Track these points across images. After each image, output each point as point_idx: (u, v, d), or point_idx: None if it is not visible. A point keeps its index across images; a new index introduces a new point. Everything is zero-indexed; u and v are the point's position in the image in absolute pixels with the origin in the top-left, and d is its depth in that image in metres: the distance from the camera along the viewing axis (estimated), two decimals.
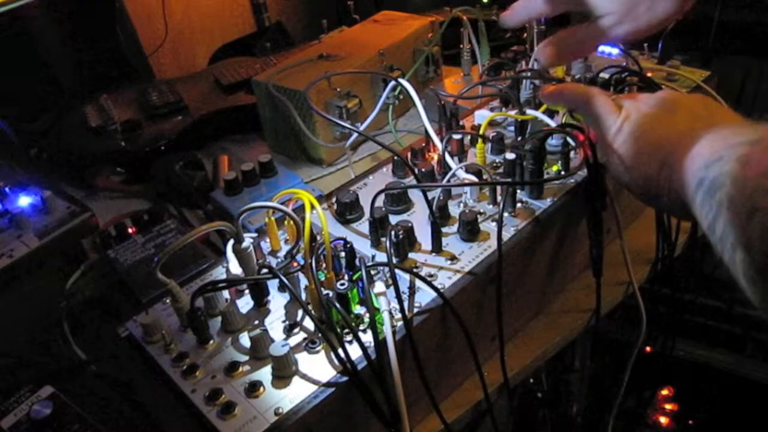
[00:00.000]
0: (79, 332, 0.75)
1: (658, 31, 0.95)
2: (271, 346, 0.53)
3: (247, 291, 0.61)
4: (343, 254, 0.59)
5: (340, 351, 0.53)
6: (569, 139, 0.71)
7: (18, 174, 0.92)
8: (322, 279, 0.58)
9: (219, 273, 0.66)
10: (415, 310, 0.57)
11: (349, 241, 0.60)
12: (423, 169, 0.69)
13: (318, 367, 0.54)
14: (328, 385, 0.52)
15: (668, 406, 1.68)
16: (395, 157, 0.75)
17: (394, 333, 0.54)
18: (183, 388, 0.54)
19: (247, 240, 0.60)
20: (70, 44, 1.24)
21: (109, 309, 0.77)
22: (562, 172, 0.72)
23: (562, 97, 0.64)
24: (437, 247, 0.63)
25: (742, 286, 0.40)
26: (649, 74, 0.85)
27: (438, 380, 0.64)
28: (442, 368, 0.64)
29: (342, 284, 0.56)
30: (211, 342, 0.57)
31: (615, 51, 0.96)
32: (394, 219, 0.67)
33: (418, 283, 0.60)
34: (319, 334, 0.55)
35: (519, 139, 0.77)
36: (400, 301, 0.56)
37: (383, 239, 0.64)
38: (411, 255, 0.63)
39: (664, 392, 1.69)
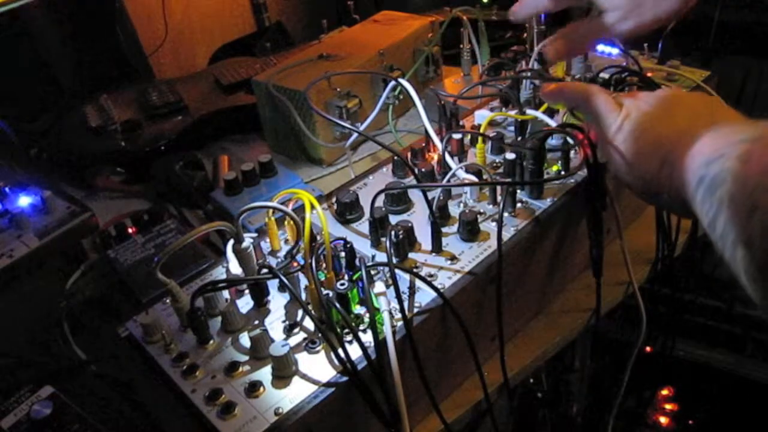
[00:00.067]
0: (79, 332, 0.75)
1: (660, 30, 0.95)
2: (271, 346, 0.53)
3: (247, 291, 0.61)
4: (343, 254, 0.60)
5: (340, 351, 0.53)
6: (569, 139, 0.71)
7: (18, 174, 0.92)
8: (322, 279, 0.58)
9: (219, 273, 0.66)
10: (415, 310, 0.57)
11: (349, 241, 0.60)
12: (423, 169, 0.69)
13: (318, 367, 0.54)
14: (328, 385, 0.52)
15: (668, 406, 1.68)
16: (395, 157, 0.75)
17: (394, 333, 0.54)
18: (183, 388, 0.54)
19: (247, 240, 0.60)
20: (70, 44, 1.24)
21: (109, 309, 0.77)
22: (562, 172, 0.72)
23: (562, 95, 0.64)
24: (437, 247, 0.63)
25: (742, 284, 0.39)
26: (649, 74, 0.85)
27: (438, 380, 0.64)
28: (442, 368, 0.64)
29: (342, 284, 0.56)
30: (211, 342, 0.57)
31: (615, 51, 0.96)
32: (394, 219, 0.67)
33: (418, 283, 0.60)
34: (319, 334, 0.55)
35: (519, 139, 0.77)
36: (400, 301, 0.56)
37: (383, 239, 0.64)
38: (411, 255, 0.63)
39: (664, 392, 1.69)
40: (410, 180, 0.73)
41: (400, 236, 0.61)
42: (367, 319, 0.55)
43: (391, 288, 0.57)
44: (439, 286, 0.59)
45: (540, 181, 0.69)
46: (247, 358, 0.55)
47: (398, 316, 0.56)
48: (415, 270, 0.61)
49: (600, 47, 0.97)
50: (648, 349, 1.01)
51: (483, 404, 0.67)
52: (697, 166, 0.44)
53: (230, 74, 1.18)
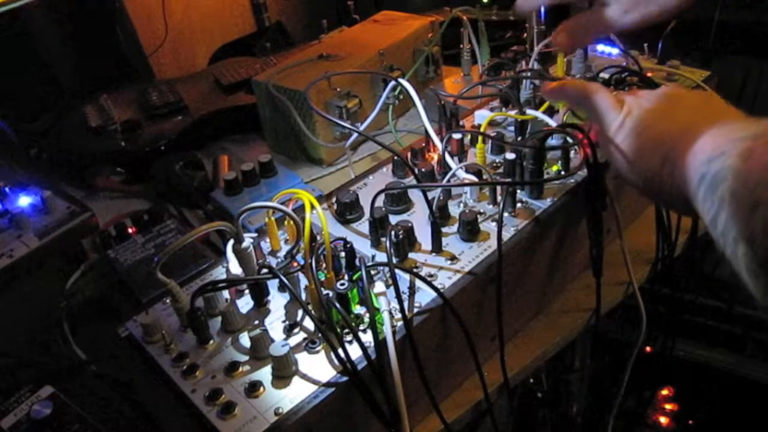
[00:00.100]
0: (79, 332, 0.75)
1: (660, 30, 0.95)
2: (271, 346, 0.53)
3: (247, 291, 0.61)
4: (343, 254, 0.60)
5: (340, 351, 0.53)
6: (569, 139, 0.71)
7: (18, 174, 0.92)
8: (322, 279, 0.58)
9: (219, 273, 0.66)
10: (415, 310, 0.57)
11: (349, 241, 0.60)
12: (423, 169, 0.69)
13: (318, 367, 0.54)
14: (328, 385, 0.52)
15: (668, 406, 1.68)
16: (395, 157, 0.75)
17: (394, 333, 0.54)
18: (183, 388, 0.54)
19: (247, 240, 0.60)
20: (70, 44, 1.24)
21: (109, 309, 0.77)
22: (562, 172, 0.72)
23: (563, 93, 0.64)
24: (437, 247, 0.63)
25: (744, 281, 0.40)
26: (649, 74, 0.85)
27: (438, 380, 0.64)
28: (442, 368, 0.64)
29: (342, 284, 0.56)
30: (211, 342, 0.57)
31: (615, 51, 0.96)
32: (394, 219, 0.67)
33: (418, 283, 0.60)
34: (319, 334, 0.55)
35: (519, 139, 0.77)
36: (400, 301, 0.56)
37: (383, 239, 0.64)
38: (411, 255, 0.63)
39: (664, 392, 1.69)
40: (410, 180, 0.73)
41: (400, 236, 0.61)
42: (367, 319, 0.55)
43: (391, 288, 0.57)
44: (439, 286, 0.59)
45: (540, 181, 0.69)
46: (247, 358, 0.55)
47: (398, 316, 0.56)
48: (415, 270, 0.61)
49: (600, 47, 0.98)
50: (648, 349, 1.01)
51: (483, 404, 0.67)
52: (698, 163, 0.44)
53: (230, 74, 1.18)
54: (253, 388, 0.52)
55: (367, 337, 0.54)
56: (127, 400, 0.66)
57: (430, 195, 0.66)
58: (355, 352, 0.53)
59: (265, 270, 0.59)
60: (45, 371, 0.69)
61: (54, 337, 0.74)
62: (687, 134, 0.47)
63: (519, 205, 0.69)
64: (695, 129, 0.47)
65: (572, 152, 0.74)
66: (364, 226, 0.67)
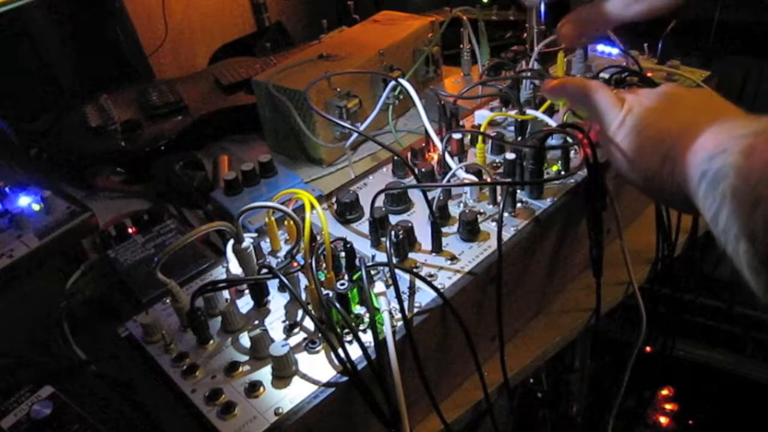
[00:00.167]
0: (79, 332, 0.75)
1: (660, 30, 0.95)
2: (271, 346, 0.53)
3: (247, 291, 0.61)
4: (343, 254, 0.60)
5: (340, 351, 0.53)
6: (569, 139, 0.71)
7: (18, 174, 0.92)
8: (322, 279, 0.58)
9: (219, 273, 0.66)
10: (415, 310, 0.57)
11: (349, 241, 0.60)
12: (423, 169, 0.69)
13: (318, 367, 0.54)
14: (328, 385, 0.52)
15: (668, 406, 1.68)
16: (395, 157, 0.74)
17: (394, 333, 0.54)
18: (183, 388, 0.54)
19: (247, 240, 0.60)
20: (70, 44, 1.24)
21: (109, 309, 0.77)
22: (562, 172, 0.72)
23: (563, 91, 0.64)
24: (437, 247, 0.63)
25: (745, 278, 0.40)
26: (649, 74, 0.85)
27: (438, 380, 0.64)
28: (442, 368, 0.64)
29: (342, 284, 0.56)
30: (211, 342, 0.57)
31: (615, 51, 0.96)
32: (394, 219, 0.67)
33: (418, 283, 0.60)
34: (319, 334, 0.55)
35: (519, 139, 0.77)
36: (400, 301, 0.56)
37: (383, 239, 0.64)
38: (411, 255, 0.63)
39: (664, 392, 1.69)
40: (410, 180, 0.73)
41: (400, 236, 0.61)
42: (367, 319, 0.55)
43: (391, 288, 0.57)
44: (439, 286, 0.59)
45: (540, 181, 0.69)
46: (247, 358, 0.55)
47: (398, 316, 0.56)
48: (415, 270, 0.61)
49: (600, 47, 0.98)
50: (648, 349, 1.01)
51: (483, 404, 0.67)
52: (699, 161, 0.44)
53: (230, 74, 1.18)
54: (253, 388, 0.52)
55: (367, 337, 0.54)
56: (127, 400, 0.66)
57: (430, 195, 0.66)
58: (355, 352, 0.53)
59: (265, 270, 0.59)
60: (45, 371, 0.69)
61: (54, 337, 0.74)
62: (687, 133, 0.47)
63: (519, 205, 0.69)
64: (695, 127, 0.47)
65: (572, 152, 0.74)
66: (364, 226, 0.67)
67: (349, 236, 0.66)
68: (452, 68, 1.19)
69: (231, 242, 0.60)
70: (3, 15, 0.93)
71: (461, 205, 0.70)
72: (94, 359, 0.72)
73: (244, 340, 0.57)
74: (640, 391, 1.34)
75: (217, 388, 0.53)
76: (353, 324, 0.55)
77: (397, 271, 0.59)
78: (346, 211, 0.68)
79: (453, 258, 0.63)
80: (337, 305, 0.54)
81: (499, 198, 0.68)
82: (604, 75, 0.83)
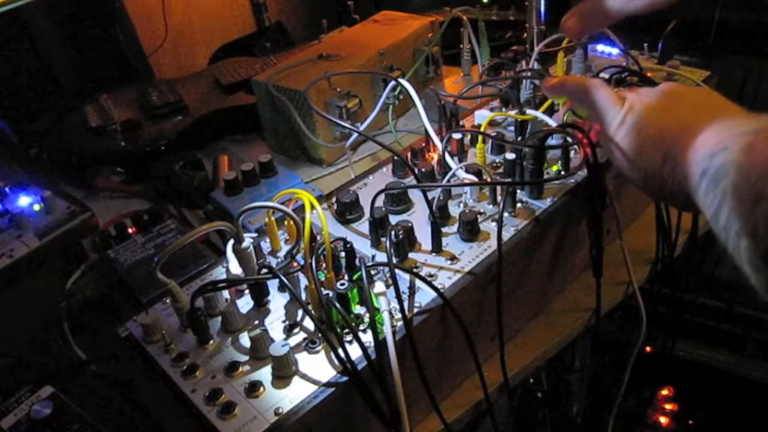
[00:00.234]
0: (79, 332, 0.75)
1: (660, 30, 0.95)
2: (271, 346, 0.53)
3: (247, 291, 0.61)
4: (343, 254, 0.60)
5: (340, 351, 0.53)
6: (569, 139, 0.71)
7: (18, 174, 0.92)
8: (322, 279, 0.58)
9: (219, 273, 0.66)
10: (415, 310, 0.57)
11: (349, 241, 0.60)
12: (423, 169, 0.69)
13: (318, 367, 0.54)
14: (328, 385, 0.52)
15: (668, 406, 1.68)
16: (395, 157, 0.74)
17: (394, 333, 0.54)
18: (183, 388, 0.54)
19: (247, 240, 0.60)
20: (70, 44, 1.24)
21: (109, 309, 0.77)
22: (562, 172, 0.72)
23: (564, 89, 0.64)
24: (437, 247, 0.63)
25: (746, 275, 0.40)
26: (649, 74, 0.85)
27: (438, 380, 0.64)
28: (442, 368, 0.64)
29: (342, 284, 0.56)
30: (211, 342, 0.57)
31: (615, 51, 0.96)
32: (394, 219, 0.67)
33: (418, 283, 0.60)
34: (319, 334, 0.55)
35: (519, 139, 0.77)
36: (400, 301, 0.56)
37: (383, 239, 0.64)
38: (411, 255, 0.63)
39: (664, 392, 1.69)
40: (410, 180, 0.73)
41: (400, 236, 0.61)
42: (367, 319, 0.55)
43: (391, 288, 0.57)
44: (439, 286, 0.59)
45: (540, 181, 0.69)
46: (247, 358, 0.55)
47: (398, 316, 0.56)
48: (415, 270, 0.61)
49: (600, 47, 0.98)
50: (648, 349, 1.01)
51: (483, 404, 0.67)
52: (700, 158, 0.44)
53: (230, 74, 1.18)
54: (253, 388, 0.52)
55: (367, 337, 0.54)
56: (127, 400, 0.66)
57: (430, 195, 0.66)
58: (355, 352, 0.53)
59: (265, 270, 0.59)
60: (45, 371, 0.69)
61: (54, 337, 0.73)
62: (688, 131, 0.47)
63: (519, 205, 0.69)
64: (696, 125, 0.47)
65: (572, 152, 0.74)
66: (364, 226, 0.67)
67: (349, 236, 0.66)
68: (452, 68, 1.19)
69: (231, 242, 0.60)
70: (3, 15, 0.93)
71: (461, 205, 0.70)
72: (94, 359, 0.71)
73: (244, 340, 0.57)
74: (640, 391, 1.34)
75: (217, 388, 0.53)
76: (353, 324, 0.55)
77: (397, 271, 0.59)
78: (346, 211, 0.68)
79: (453, 258, 0.63)
80: (337, 305, 0.54)
81: (499, 198, 0.68)
82: (604, 75, 0.83)
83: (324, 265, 0.59)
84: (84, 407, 0.62)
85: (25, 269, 0.77)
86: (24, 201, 0.82)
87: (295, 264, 0.60)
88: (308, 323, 0.57)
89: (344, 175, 0.99)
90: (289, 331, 0.57)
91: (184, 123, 1.08)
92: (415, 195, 0.70)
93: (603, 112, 0.57)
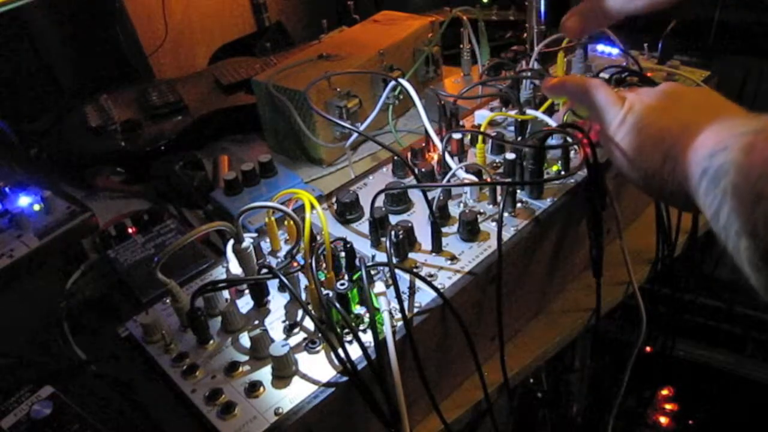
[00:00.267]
0: (79, 332, 0.75)
1: (660, 29, 0.95)
2: (271, 346, 0.53)
3: (247, 291, 0.61)
4: (343, 254, 0.60)
5: (340, 351, 0.53)
6: (569, 139, 0.71)
7: (18, 174, 0.92)
8: (322, 279, 0.58)
9: (219, 273, 0.66)
10: (415, 310, 0.57)
11: (349, 241, 0.60)
12: (423, 169, 0.69)
13: (318, 367, 0.54)
14: (328, 385, 0.52)
15: (668, 406, 1.68)
16: (395, 157, 0.75)
17: (394, 333, 0.54)
18: (183, 388, 0.54)
19: (247, 240, 0.60)
20: (70, 44, 1.24)
21: (109, 309, 0.77)
22: (562, 172, 0.72)
23: (564, 89, 0.64)
24: (437, 247, 0.63)
25: (746, 275, 0.40)
26: (649, 74, 0.85)
27: (438, 380, 0.64)
28: (442, 368, 0.64)
29: (342, 284, 0.56)
30: (211, 342, 0.57)
31: (615, 51, 0.96)
32: (394, 219, 0.67)
33: (418, 283, 0.60)
34: (319, 334, 0.55)
35: (519, 139, 0.77)
36: (400, 301, 0.56)
37: (383, 239, 0.64)
38: (411, 255, 0.63)
39: (664, 392, 1.69)
40: (410, 180, 0.73)
41: (400, 236, 0.61)
42: (367, 319, 0.55)
43: (391, 288, 0.57)
44: (439, 286, 0.59)
45: (540, 181, 0.69)
46: (247, 358, 0.55)
47: (398, 316, 0.56)
48: (415, 270, 0.61)
49: (600, 47, 0.98)
50: (648, 349, 1.01)
51: (483, 404, 0.67)
52: (700, 158, 0.44)
53: (230, 74, 1.18)
54: (253, 388, 0.52)
55: (367, 337, 0.54)
56: (127, 400, 0.66)
57: (430, 195, 0.66)
58: (355, 352, 0.53)
59: (265, 270, 0.59)
60: (45, 371, 0.69)
61: (54, 337, 0.73)
62: (688, 131, 0.47)
63: (519, 205, 0.69)
64: (696, 125, 0.47)
65: (572, 152, 0.74)
66: (364, 226, 0.67)
67: (349, 236, 0.66)
68: (452, 68, 1.19)
69: (231, 242, 0.60)
70: (3, 15, 0.93)
71: (461, 205, 0.70)
72: (94, 359, 0.72)
73: (244, 340, 0.57)
74: (640, 391, 1.34)
75: (217, 388, 0.53)
76: (353, 324, 0.55)
77: (397, 271, 0.59)
78: (346, 211, 0.68)
79: (453, 258, 0.63)
80: (337, 305, 0.54)
81: (499, 198, 0.68)
82: (604, 75, 0.83)
83: (324, 265, 0.59)
84: (84, 407, 0.62)
85: (25, 269, 0.77)
86: (24, 201, 0.82)
87: (295, 264, 0.60)
88: (308, 323, 0.57)
89: (344, 175, 0.99)
90: (289, 331, 0.57)
91: (184, 123, 1.08)
92: (415, 195, 0.70)
93: (603, 112, 0.57)
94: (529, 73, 0.84)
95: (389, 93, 0.97)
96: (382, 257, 0.63)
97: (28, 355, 0.73)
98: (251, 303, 0.61)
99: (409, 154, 0.76)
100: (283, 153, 1.07)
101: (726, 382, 1.66)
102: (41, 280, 0.79)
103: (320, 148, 1.01)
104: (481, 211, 0.68)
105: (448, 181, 0.68)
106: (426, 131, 0.75)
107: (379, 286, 0.56)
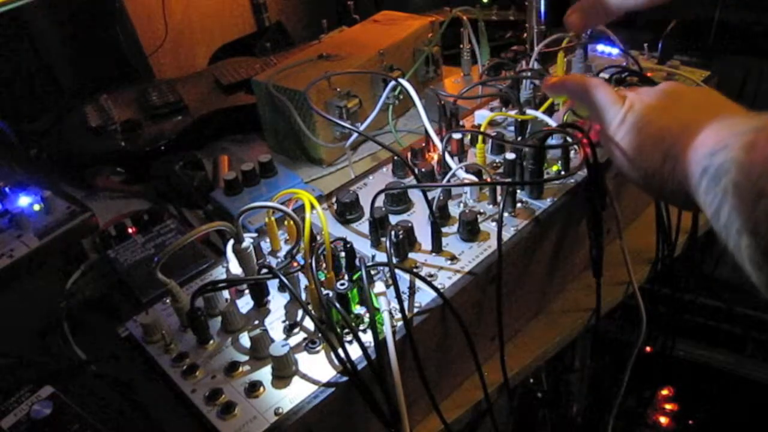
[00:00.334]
0: (79, 332, 0.75)
1: (660, 29, 0.95)
2: (271, 346, 0.53)
3: (247, 291, 0.61)
4: (343, 254, 0.60)
5: (340, 351, 0.53)
6: (569, 139, 0.71)
7: (18, 174, 0.92)
8: (322, 279, 0.58)
9: (219, 273, 0.66)
10: (415, 310, 0.57)
11: (349, 241, 0.60)
12: (423, 169, 0.69)
13: (318, 367, 0.54)
14: (328, 385, 0.52)
15: (668, 406, 1.68)
16: (395, 157, 0.75)
17: (394, 333, 0.54)
18: (183, 388, 0.54)
19: (247, 240, 0.60)
20: (70, 44, 1.24)
21: (109, 309, 0.77)
22: (562, 172, 0.72)
23: (564, 88, 0.65)
24: (437, 247, 0.63)
25: (747, 273, 0.40)
26: (649, 74, 0.85)
27: (438, 380, 0.64)
28: (442, 368, 0.64)
29: (342, 284, 0.56)
30: (211, 342, 0.57)
31: (615, 51, 0.96)
32: (394, 219, 0.67)
33: (418, 283, 0.60)
34: (319, 334, 0.55)
35: (519, 139, 0.77)
36: (400, 301, 0.56)
37: (383, 239, 0.64)
38: (411, 255, 0.63)
39: (664, 392, 1.69)
40: (410, 180, 0.73)
41: (400, 236, 0.61)
42: (367, 319, 0.55)
43: (391, 288, 0.57)
44: (439, 286, 0.59)
45: (540, 181, 0.69)
46: (247, 358, 0.55)
47: (398, 316, 0.56)
48: (415, 270, 0.61)
49: (600, 47, 0.98)
50: (648, 349, 1.01)
51: (483, 404, 0.67)
52: (700, 157, 0.44)
53: (230, 74, 1.18)
54: (253, 388, 0.52)
55: (367, 337, 0.54)
56: (127, 400, 0.66)
57: (430, 195, 0.66)
58: (355, 352, 0.53)
59: (265, 270, 0.59)
60: (45, 371, 0.69)
61: (54, 337, 0.73)
62: (688, 130, 0.47)
63: (519, 205, 0.69)
64: (696, 124, 0.47)
65: (572, 152, 0.74)
66: (364, 226, 0.67)
67: (349, 236, 0.66)
68: (452, 68, 1.19)
69: (231, 242, 0.60)
70: (3, 15, 0.93)
71: (461, 205, 0.70)
72: (94, 359, 0.71)
73: (244, 340, 0.57)
74: (640, 391, 1.34)
75: (217, 388, 0.53)
76: (353, 324, 0.55)
77: (397, 271, 0.59)
78: (346, 211, 0.68)
79: (453, 258, 0.63)
80: (337, 305, 0.54)
81: (499, 198, 0.68)
82: (605, 75, 0.83)
83: (324, 265, 0.59)
84: (84, 407, 0.62)
85: (25, 269, 0.77)
86: (24, 201, 0.82)
87: (295, 264, 0.60)
88: (308, 323, 0.57)
89: (344, 175, 0.99)
90: (289, 331, 0.57)
91: (184, 123, 1.08)
92: (415, 195, 0.70)
93: (603, 111, 0.57)
94: (529, 73, 0.84)
95: (389, 93, 0.97)
96: (382, 257, 0.63)
97: (28, 355, 0.73)
98: (251, 303, 0.61)
99: (409, 154, 0.76)
100: (283, 153, 1.07)
101: (726, 382, 1.66)
102: (41, 280, 0.79)
103: (320, 148, 1.01)
104: (481, 211, 0.68)
105: (448, 181, 0.68)
106: (426, 131, 0.75)
107: (379, 286, 0.56)
